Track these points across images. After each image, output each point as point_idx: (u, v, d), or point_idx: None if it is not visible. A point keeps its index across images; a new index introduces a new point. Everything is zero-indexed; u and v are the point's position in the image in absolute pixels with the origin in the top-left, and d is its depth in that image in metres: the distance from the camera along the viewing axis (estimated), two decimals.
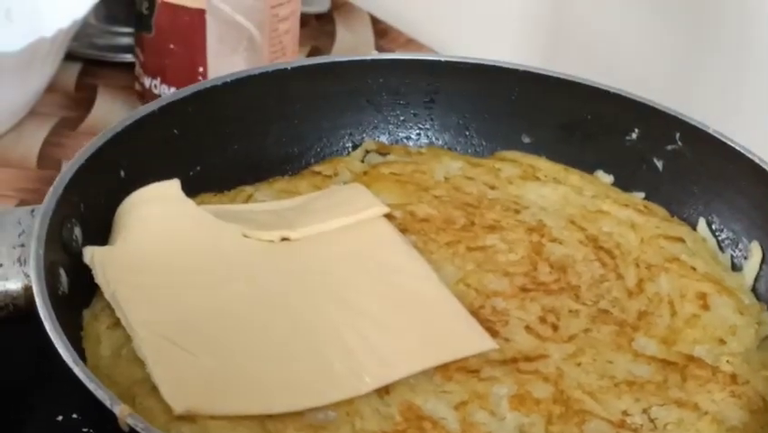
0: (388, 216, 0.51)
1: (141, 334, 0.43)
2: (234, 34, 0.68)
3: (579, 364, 0.45)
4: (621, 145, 0.55)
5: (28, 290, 0.43)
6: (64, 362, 0.40)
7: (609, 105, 0.55)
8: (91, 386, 0.38)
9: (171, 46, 0.69)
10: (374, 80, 0.57)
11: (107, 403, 0.37)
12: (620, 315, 0.48)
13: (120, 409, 0.37)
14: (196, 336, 0.43)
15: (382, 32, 0.90)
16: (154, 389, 0.41)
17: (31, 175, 0.73)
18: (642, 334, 0.47)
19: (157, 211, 0.48)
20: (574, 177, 0.55)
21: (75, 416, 0.53)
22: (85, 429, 0.52)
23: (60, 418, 0.53)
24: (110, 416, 0.37)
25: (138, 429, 0.37)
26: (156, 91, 0.75)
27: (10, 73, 0.70)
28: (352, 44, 0.88)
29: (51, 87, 0.77)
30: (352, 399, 0.42)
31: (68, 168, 0.47)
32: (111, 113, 0.80)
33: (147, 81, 0.76)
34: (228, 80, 0.54)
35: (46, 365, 0.51)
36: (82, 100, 0.81)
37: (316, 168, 0.55)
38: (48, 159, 0.75)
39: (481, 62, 0.57)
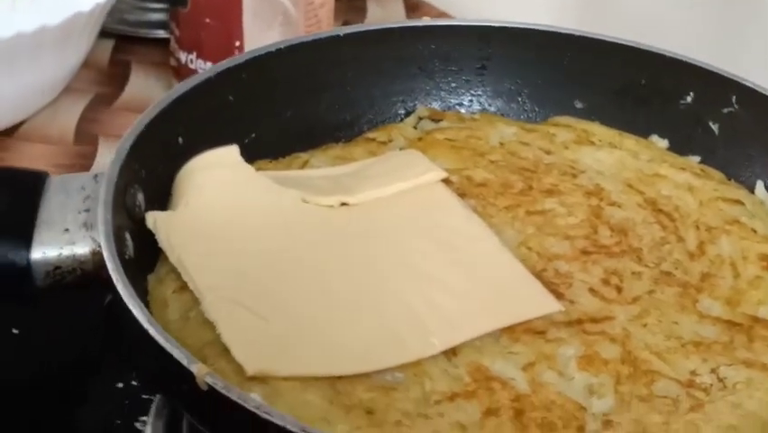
0: (446, 181, 0.51)
1: (209, 297, 0.43)
2: (270, 8, 0.68)
3: (644, 325, 0.45)
4: (676, 109, 0.55)
5: (96, 254, 0.43)
6: (132, 326, 0.39)
7: (664, 69, 0.55)
8: (167, 346, 0.37)
9: (207, 20, 0.69)
10: (425, 47, 0.57)
11: (185, 363, 0.37)
12: (683, 277, 0.48)
13: (198, 368, 0.37)
14: (264, 299, 0.43)
15: (413, 6, 0.90)
16: (225, 351, 0.41)
17: (68, 151, 0.73)
18: (706, 295, 0.47)
19: (217, 177, 0.48)
20: (629, 141, 0.55)
21: (134, 383, 0.53)
22: (145, 396, 0.52)
23: (121, 385, 0.53)
24: (187, 376, 0.37)
25: (217, 388, 0.36)
26: (192, 66, 0.75)
27: (48, 48, 0.70)
28: (382, 19, 0.88)
29: (85, 64, 0.77)
30: (420, 361, 0.42)
31: (129, 135, 0.46)
32: (146, 89, 0.80)
33: (183, 56, 0.76)
34: (282, 47, 0.53)
35: (102, 334, 0.51)
36: (116, 76, 0.81)
37: (370, 135, 0.55)
38: (84, 134, 0.75)
39: (534, 27, 0.57)
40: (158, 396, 0.51)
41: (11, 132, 0.73)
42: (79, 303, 0.52)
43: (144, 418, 0.51)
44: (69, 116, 0.76)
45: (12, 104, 0.72)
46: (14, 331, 0.55)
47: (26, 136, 0.74)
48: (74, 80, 0.77)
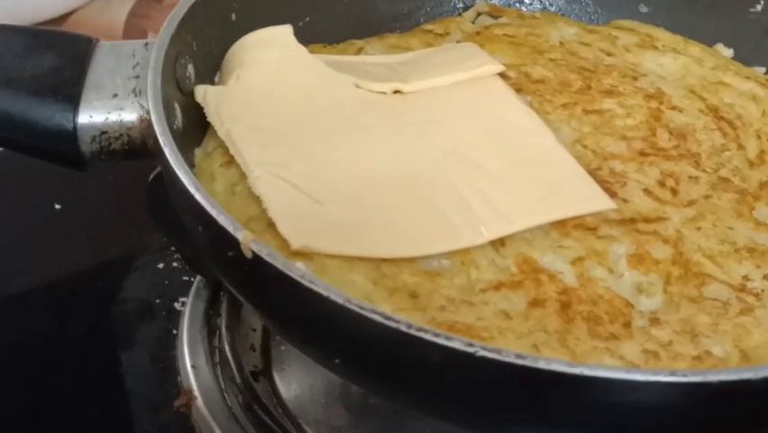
0: (503, 76, 0.50)
1: (257, 172, 0.42)
2: None
3: (699, 229, 0.44)
4: (744, 18, 0.53)
5: (143, 121, 0.42)
6: (179, 194, 0.39)
7: None
8: (214, 212, 0.37)
9: None
10: None
11: (230, 229, 0.36)
12: (741, 184, 0.46)
13: (243, 235, 0.36)
14: (312, 179, 0.42)
15: None
16: (270, 225, 0.40)
17: None
18: (763, 203, 0.45)
19: (270, 54, 0.47)
20: (694, 48, 0.53)
21: (175, 264, 0.53)
22: (185, 277, 0.52)
23: (161, 265, 0.53)
24: (232, 243, 0.36)
25: (262, 255, 0.36)
26: None
27: None
28: None
29: None
30: (468, 249, 0.41)
31: (182, 4, 0.45)
32: None
33: None
34: None
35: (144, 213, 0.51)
36: None
37: (427, 26, 0.54)
38: (133, 29, 0.74)
39: None
40: (198, 277, 0.51)
41: (59, 22, 0.73)
42: (121, 181, 0.51)
43: (184, 299, 0.51)
44: (120, 10, 0.75)
45: None
46: (57, 206, 0.55)
47: (74, 27, 0.73)
48: None
